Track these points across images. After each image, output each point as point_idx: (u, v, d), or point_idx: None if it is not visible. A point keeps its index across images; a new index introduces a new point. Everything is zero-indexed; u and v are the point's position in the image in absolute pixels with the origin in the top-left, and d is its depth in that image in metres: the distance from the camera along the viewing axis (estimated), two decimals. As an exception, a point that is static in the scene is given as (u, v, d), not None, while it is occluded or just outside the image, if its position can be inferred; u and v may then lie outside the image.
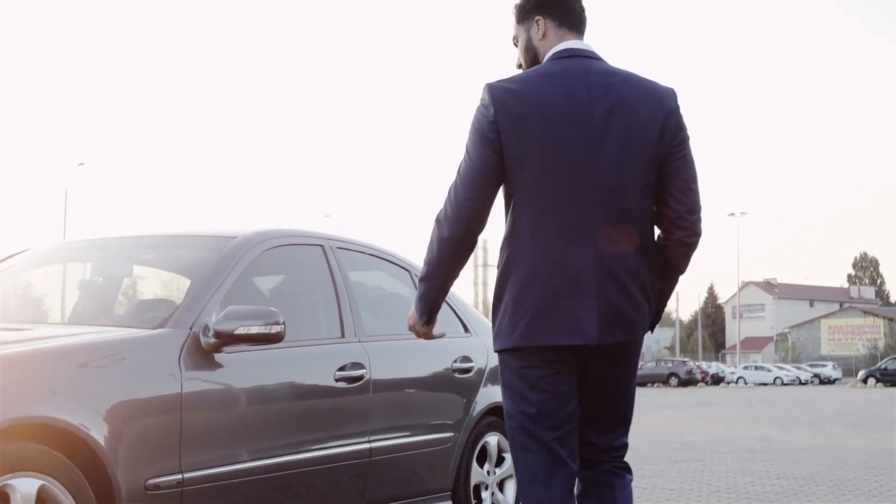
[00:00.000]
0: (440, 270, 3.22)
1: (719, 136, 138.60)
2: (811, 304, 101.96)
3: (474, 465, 5.43)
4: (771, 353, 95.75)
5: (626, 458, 3.40)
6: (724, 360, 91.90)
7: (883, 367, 57.41)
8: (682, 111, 3.26)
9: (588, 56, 3.26)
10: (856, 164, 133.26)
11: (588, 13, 3.40)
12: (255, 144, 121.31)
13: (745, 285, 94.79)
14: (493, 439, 5.58)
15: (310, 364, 4.55)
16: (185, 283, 4.54)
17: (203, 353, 3.99)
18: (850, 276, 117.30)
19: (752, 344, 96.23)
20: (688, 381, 56.50)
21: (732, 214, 78.72)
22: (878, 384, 54.06)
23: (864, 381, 55.99)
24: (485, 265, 66.30)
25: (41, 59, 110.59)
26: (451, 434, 5.26)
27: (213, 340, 4.00)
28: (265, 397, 4.26)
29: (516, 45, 3.42)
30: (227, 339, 4.01)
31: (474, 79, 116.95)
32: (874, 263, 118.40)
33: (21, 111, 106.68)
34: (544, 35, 3.33)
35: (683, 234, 3.24)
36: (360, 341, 4.83)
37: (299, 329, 4.55)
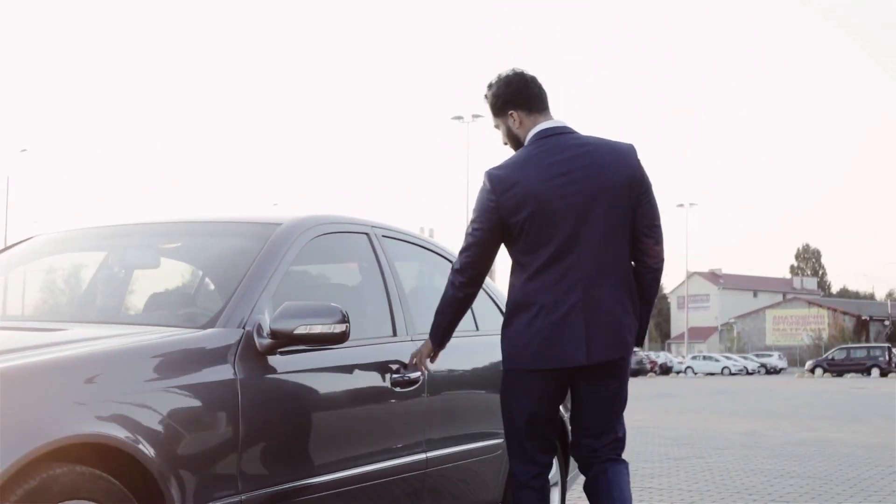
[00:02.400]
0: (452, 308, 4.09)
1: (669, 128, 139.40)
2: (755, 295, 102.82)
3: None
4: (715, 342, 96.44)
5: (624, 456, 4.12)
6: (669, 350, 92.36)
7: (830, 357, 57.97)
8: (639, 133, 4.09)
9: (560, 133, 4.02)
10: (800, 159, 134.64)
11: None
12: (253, 144, 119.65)
13: (690, 276, 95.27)
14: None
15: (366, 366, 4.06)
16: (220, 275, 4.05)
17: (258, 355, 3.50)
18: (792, 268, 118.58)
19: (698, 334, 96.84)
20: (637, 371, 56.55)
21: (681, 205, 79.04)
22: (826, 374, 54.54)
23: (812, 371, 56.50)
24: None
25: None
26: (501, 441, 4.82)
27: (268, 341, 3.51)
28: (325, 405, 3.77)
29: (498, 129, 4.17)
30: (284, 340, 3.52)
31: (473, 78, 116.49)
32: (816, 255, 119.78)
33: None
34: (520, 124, 4.09)
35: (653, 262, 4.03)
36: (412, 340, 4.35)
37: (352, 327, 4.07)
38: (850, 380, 45.98)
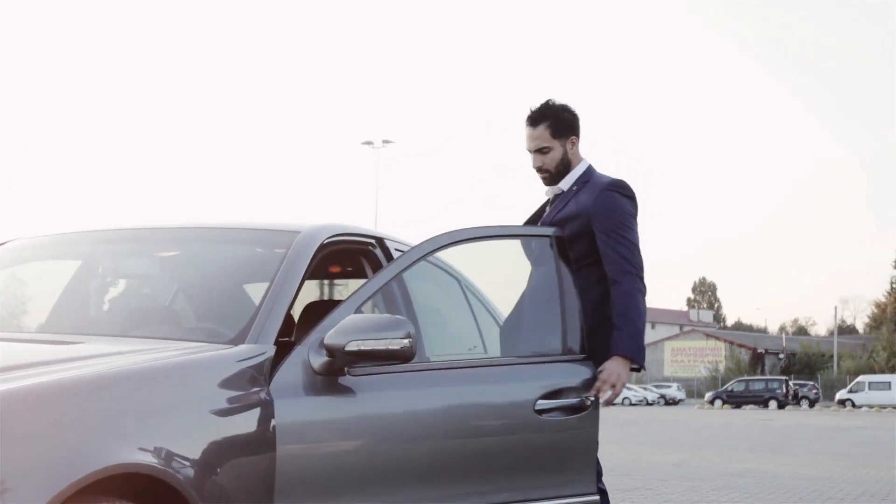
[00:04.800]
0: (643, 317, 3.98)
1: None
2: (653, 326, 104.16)
3: None
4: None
5: None
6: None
7: (729, 388, 58.77)
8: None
9: None
10: (696, 193, 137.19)
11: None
12: (162, 167, 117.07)
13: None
14: None
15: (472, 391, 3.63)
16: (237, 286, 3.68)
17: (308, 374, 3.13)
18: (689, 300, 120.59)
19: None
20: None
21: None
22: (725, 405, 55.26)
23: (711, 402, 57.20)
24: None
25: None
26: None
27: (324, 359, 3.13)
28: (375, 433, 3.30)
29: (540, 153, 4.20)
30: (343, 358, 3.12)
31: (383, 104, 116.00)
32: (712, 288, 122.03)
33: None
34: (575, 152, 4.23)
35: None
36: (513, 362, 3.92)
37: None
38: (752, 411, 46.63)
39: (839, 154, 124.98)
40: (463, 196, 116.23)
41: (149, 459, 2.58)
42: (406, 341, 3.14)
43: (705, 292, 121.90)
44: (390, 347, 3.13)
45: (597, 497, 3.77)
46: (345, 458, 3.17)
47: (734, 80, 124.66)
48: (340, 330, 3.13)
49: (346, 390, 3.20)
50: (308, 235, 3.66)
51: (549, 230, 4.06)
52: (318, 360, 3.13)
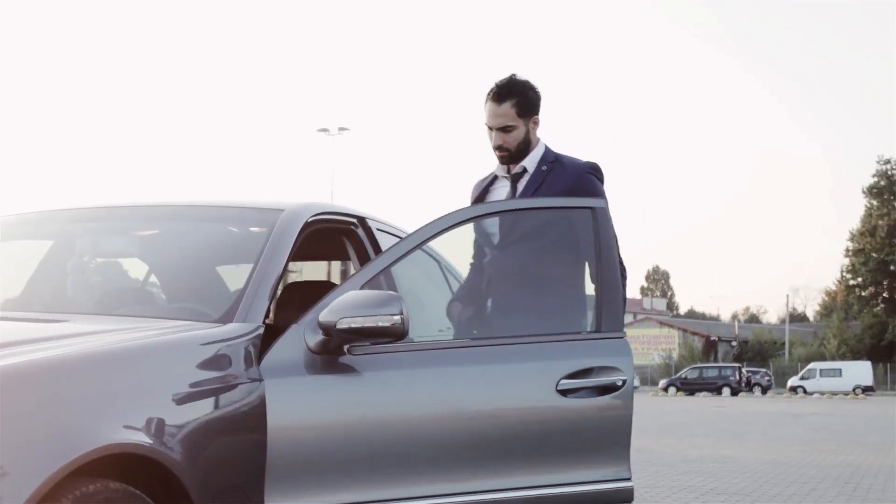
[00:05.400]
0: None
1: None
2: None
3: None
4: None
5: None
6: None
7: (683, 376, 59.28)
8: None
9: None
10: (650, 181, 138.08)
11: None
12: (204, 129, 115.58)
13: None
14: None
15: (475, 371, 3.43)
16: (220, 264, 3.60)
17: (303, 353, 3.07)
18: (643, 289, 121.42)
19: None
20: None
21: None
22: (679, 393, 55.70)
23: (665, 389, 57.67)
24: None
25: None
26: None
27: (320, 337, 3.06)
28: (376, 414, 3.19)
29: (503, 131, 4.00)
30: (337, 336, 3.05)
31: (339, 91, 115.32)
32: (665, 276, 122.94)
33: None
34: (535, 131, 4.08)
35: None
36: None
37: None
38: (706, 398, 47.02)
39: (788, 146, 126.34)
40: (419, 183, 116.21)
41: (141, 439, 2.51)
42: (397, 318, 3.05)
43: (659, 280, 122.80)
44: (380, 324, 3.03)
45: (631, 483, 3.53)
46: (341, 440, 3.08)
47: (691, 67, 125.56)
48: (334, 307, 3.06)
49: (346, 369, 3.13)
50: (292, 213, 3.60)
51: (592, 201, 3.74)
52: (314, 339, 3.06)
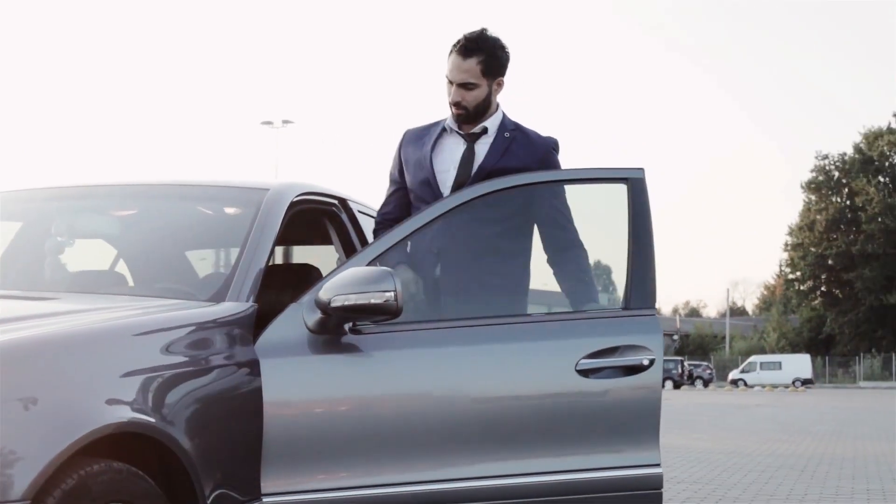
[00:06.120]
0: None
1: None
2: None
3: None
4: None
5: None
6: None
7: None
8: None
9: None
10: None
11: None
12: (146, 120, 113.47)
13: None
14: None
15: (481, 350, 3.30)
16: (210, 243, 3.53)
17: (302, 332, 3.02)
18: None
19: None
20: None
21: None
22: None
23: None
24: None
25: None
26: None
27: (318, 316, 3.00)
28: (379, 394, 3.10)
29: (464, 88, 3.73)
30: (334, 314, 2.98)
31: (283, 84, 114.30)
32: (606, 270, 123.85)
33: None
34: (497, 94, 3.83)
35: None
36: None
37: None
38: (649, 391, 47.40)
39: (728, 143, 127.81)
40: (363, 177, 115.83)
41: (142, 418, 2.44)
42: (389, 294, 2.95)
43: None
44: (373, 301, 2.94)
45: (660, 470, 3.34)
46: (340, 420, 3.02)
47: (635, 64, 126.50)
48: (330, 285, 2.99)
49: (349, 349, 3.06)
50: (278, 192, 3.55)
51: (629, 171, 3.55)
52: (313, 318, 2.99)
